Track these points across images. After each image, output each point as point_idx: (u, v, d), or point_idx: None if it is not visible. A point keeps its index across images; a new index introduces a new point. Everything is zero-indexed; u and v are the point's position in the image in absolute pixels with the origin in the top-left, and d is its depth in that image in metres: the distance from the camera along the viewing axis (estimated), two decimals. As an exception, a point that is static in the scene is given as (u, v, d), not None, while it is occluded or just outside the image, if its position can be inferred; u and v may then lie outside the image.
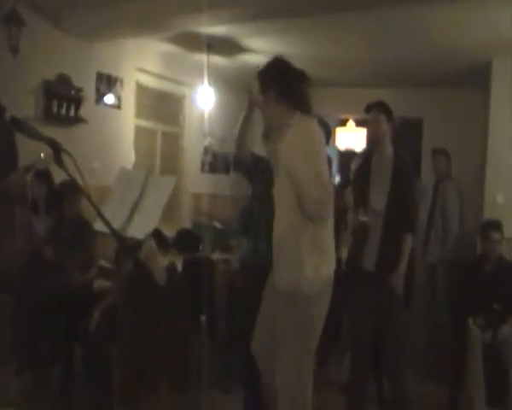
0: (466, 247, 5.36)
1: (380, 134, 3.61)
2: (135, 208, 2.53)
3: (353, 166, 4.93)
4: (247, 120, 2.90)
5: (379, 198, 3.54)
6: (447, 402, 4.01)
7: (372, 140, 3.71)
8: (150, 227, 2.53)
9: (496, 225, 4.07)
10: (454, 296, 4.25)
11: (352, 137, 8.02)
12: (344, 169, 9.08)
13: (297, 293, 2.50)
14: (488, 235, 4.01)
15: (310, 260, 2.50)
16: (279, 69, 2.60)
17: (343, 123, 8.29)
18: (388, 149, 3.63)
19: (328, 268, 2.58)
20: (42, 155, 3.49)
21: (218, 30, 5.09)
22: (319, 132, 2.58)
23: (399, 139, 3.72)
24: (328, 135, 8.96)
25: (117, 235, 1.87)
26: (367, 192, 3.61)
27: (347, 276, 4.19)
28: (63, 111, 5.04)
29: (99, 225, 2.26)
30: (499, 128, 5.44)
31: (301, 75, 2.59)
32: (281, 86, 2.54)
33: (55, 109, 4.97)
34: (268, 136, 2.67)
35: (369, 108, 3.66)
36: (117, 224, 2.36)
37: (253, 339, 2.81)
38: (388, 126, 3.61)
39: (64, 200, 4.01)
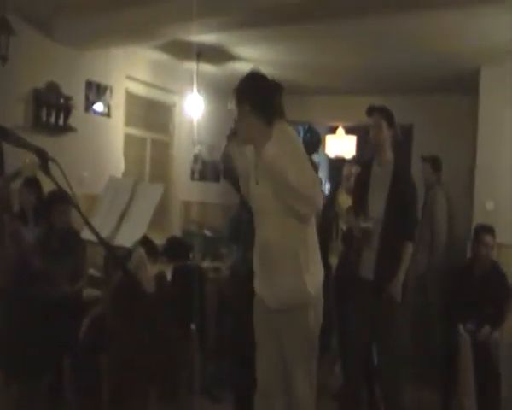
0: (456, 252, 5.38)
1: (380, 139, 3.56)
2: (123, 216, 2.51)
3: (345, 171, 4.91)
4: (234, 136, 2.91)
5: (378, 205, 3.50)
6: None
7: (373, 145, 3.64)
8: (138, 235, 2.51)
9: (488, 229, 4.10)
10: (445, 301, 4.26)
11: (341, 145, 8.06)
12: (334, 176, 9.12)
13: (303, 303, 2.53)
14: (480, 238, 4.02)
15: (309, 266, 2.52)
16: (254, 83, 2.61)
17: (333, 130, 8.32)
18: (388, 155, 3.59)
19: (321, 272, 2.62)
20: (27, 160, 3.47)
21: (208, 38, 5.09)
22: (297, 135, 2.65)
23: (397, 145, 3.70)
24: (318, 142, 8.97)
25: (105, 244, 1.86)
26: (366, 198, 3.59)
27: (339, 283, 4.17)
28: (52, 119, 5.01)
29: (87, 234, 2.25)
30: (487, 135, 5.47)
31: (276, 86, 2.60)
32: (256, 100, 2.55)
33: (44, 118, 4.94)
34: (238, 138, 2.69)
35: (370, 112, 3.61)
36: (105, 232, 2.35)
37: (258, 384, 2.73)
38: (389, 132, 3.59)
39: (53, 209, 3.98)
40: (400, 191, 3.47)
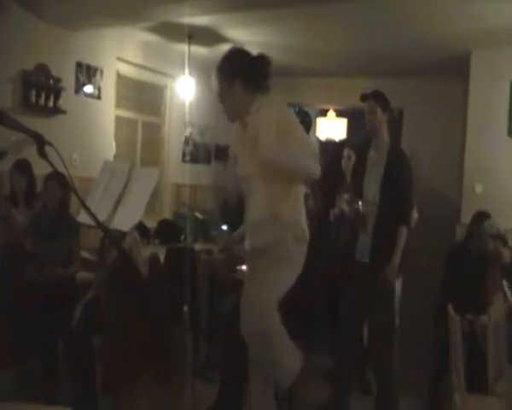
0: (445, 233, 5.43)
1: (376, 124, 3.60)
2: (119, 201, 2.52)
3: (346, 153, 4.87)
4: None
5: (373, 188, 3.55)
6: (430, 389, 4.09)
7: (368, 130, 3.68)
8: (135, 220, 2.53)
9: (488, 217, 4.20)
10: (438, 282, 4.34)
11: (332, 127, 8.06)
12: (325, 159, 9.12)
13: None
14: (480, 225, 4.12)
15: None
16: (241, 57, 2.70)
17: (324, 113, 8.32)
18: (385, 139, 3.63)
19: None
20: (13, 138, 3.43)
21: (200, 20, 5.06)
22: (285, 105, 2.73)
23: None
24: (309, 124, 8.99)
25: (102, 227, 1.87)
26: (362, 182, 3.62)
27: (333, 264, 4.22)
28: (41, 101, 4.97)
29: (83, 218, 2.26)
30: (477, 118, 5.50)
31: (263, 58, 2.69)
32: (247, 73, 2.64)
33: (33, 99, 4.89)
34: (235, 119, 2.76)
35: (364, 98, 3.65)
36: (101, 216, 2.36)
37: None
38: (384, 116, 3.62)
39: (46, 191, 3.96)
40: (395, 175, 3.51)
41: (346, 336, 3.72)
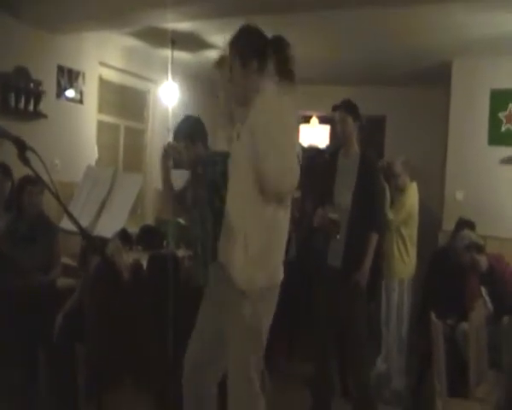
0: (427, 241, 5.47)
1: (346, 133, 3.68)
2: (102, 207, 2.49)
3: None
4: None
5: (344, 196, 3.60)
6: (412, 393, 4.12)
7: (339, 139, 3.76)
8: (118, 226, 2.50)
9: (470, 225, 4.23)
10: (420, 288, 4.37)
11: (315, 134, 8.08)
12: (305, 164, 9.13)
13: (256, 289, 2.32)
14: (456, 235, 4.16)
15: (270, 250, 2.34)
16: (258, 36, 2.50)
17: (307, 120, 8.35)
18: (355, 148, 3.70)
19: (280, 258, 2.44)
20: None
21: (183, 26, 5.05)
22: (289, 103, 2.39)
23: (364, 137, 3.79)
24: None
25: (86, 234, 1.85)
26: (332, 188, 3.66)
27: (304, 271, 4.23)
28: (21, 105, 4.88)
29: (65, 224, 2.22)
30: (458, 126, 5.57)
31: (279, 40, 2.48)
32: (263, 53, 2.43)
33: (12, 103, 4.80)
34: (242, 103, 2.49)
35: (335, 108, 3.72)
36: (84, 222, 2.33)
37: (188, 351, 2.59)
38: (355, 125, 3.68)
39: (23, 192, 3.88)
40: (367, 182, 3.58)
41: (319, 336, 3.74)
